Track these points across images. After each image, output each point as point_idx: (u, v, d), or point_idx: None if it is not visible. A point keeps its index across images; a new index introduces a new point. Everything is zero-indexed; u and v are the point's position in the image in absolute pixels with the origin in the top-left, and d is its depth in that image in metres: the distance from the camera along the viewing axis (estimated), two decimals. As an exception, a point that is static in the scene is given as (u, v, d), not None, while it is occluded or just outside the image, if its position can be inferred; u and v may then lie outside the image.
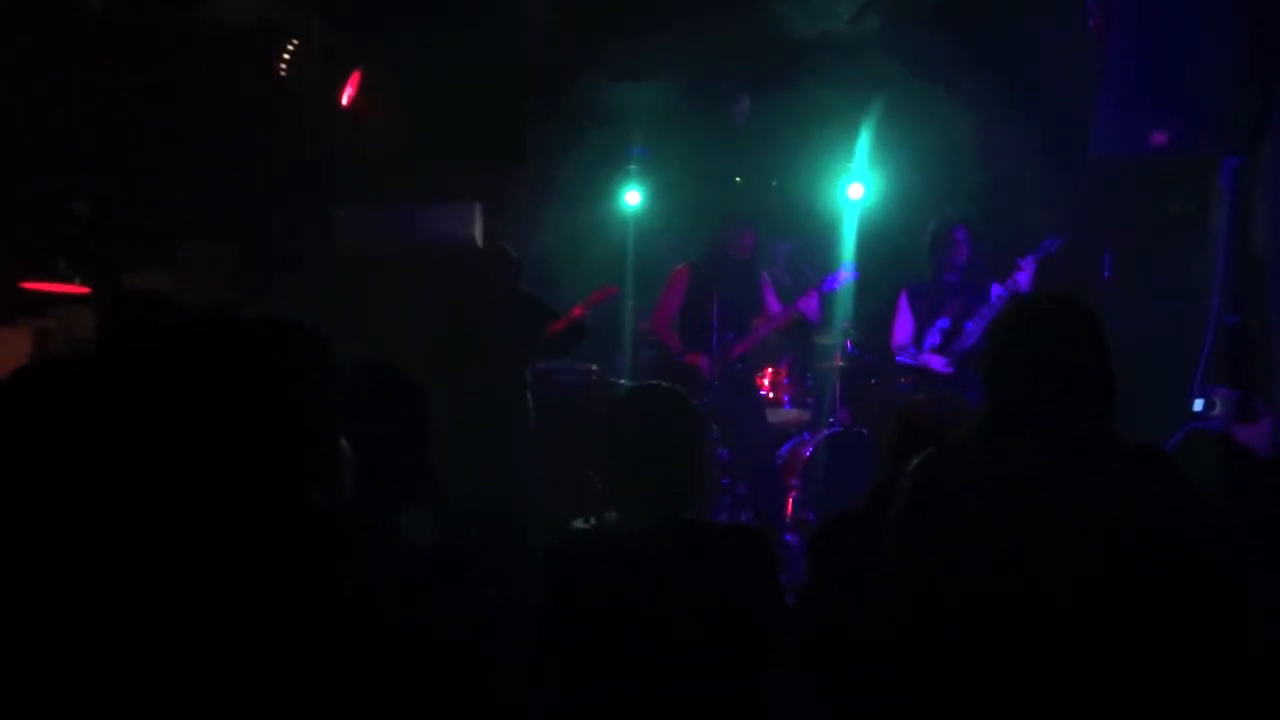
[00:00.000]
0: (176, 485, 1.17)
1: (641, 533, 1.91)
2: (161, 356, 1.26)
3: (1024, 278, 4.49)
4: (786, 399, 5.49)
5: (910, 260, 5.01)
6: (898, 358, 4.81)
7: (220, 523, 1.18)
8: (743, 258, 4.86)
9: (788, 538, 4.89)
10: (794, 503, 5.03)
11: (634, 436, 1.98)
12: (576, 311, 4.89)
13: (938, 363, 4.68)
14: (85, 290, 5.02)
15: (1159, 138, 3.82)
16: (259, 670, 1.14)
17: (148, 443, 1.17)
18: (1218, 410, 2.86)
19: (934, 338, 4.72)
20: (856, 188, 5.67)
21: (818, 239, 5.98)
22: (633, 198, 6.03)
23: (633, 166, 6.00)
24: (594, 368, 5.70)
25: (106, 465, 1.17)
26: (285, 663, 1.15)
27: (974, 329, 4.57)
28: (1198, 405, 2.87)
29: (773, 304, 4.96)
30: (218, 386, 1.23)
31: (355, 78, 4.74)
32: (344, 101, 4.71)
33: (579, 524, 2.00)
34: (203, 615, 1.15)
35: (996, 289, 4.58)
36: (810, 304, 4.83)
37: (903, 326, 4.80)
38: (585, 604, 1.88)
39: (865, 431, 5.02)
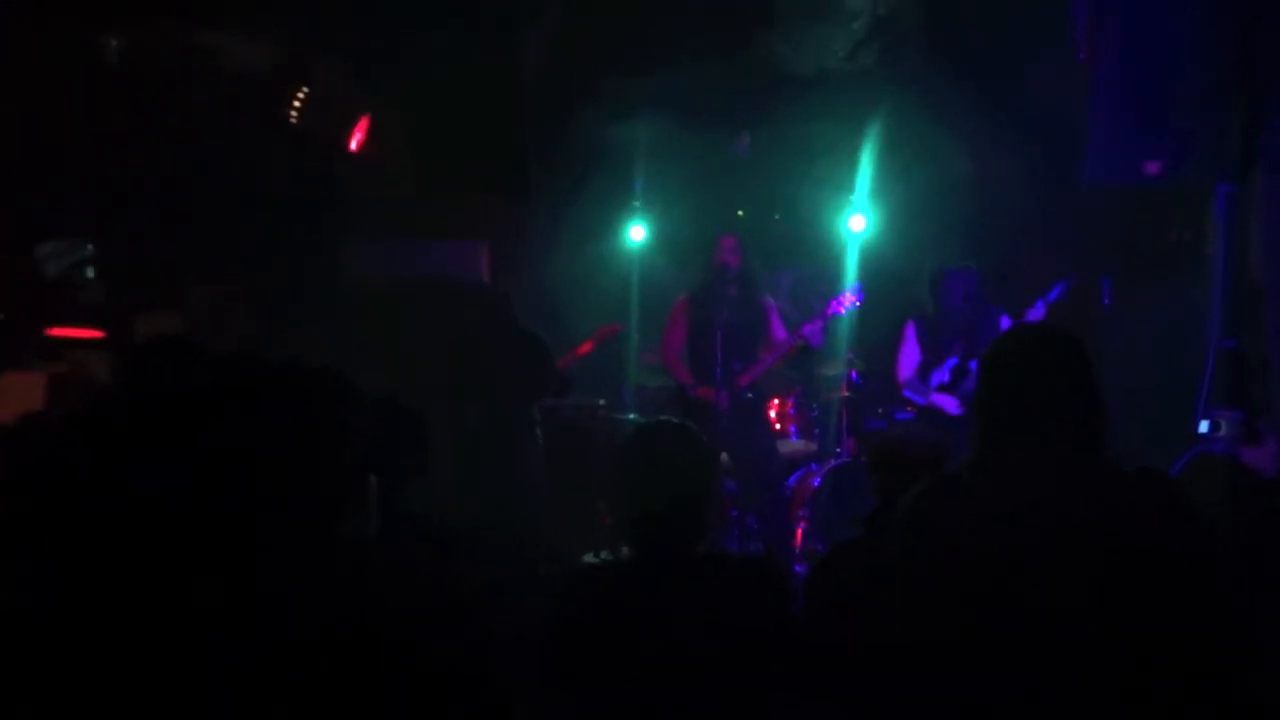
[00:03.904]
0: (214, 526, 1.21)
1: (655, 567, 1.94)
2: (196, 402, 1.31)
3: (1035, 319, 4.46)
4: (793, 430, 5.52)
5: (911, 289, 5.06)
6: (905, 392, 4.79)
7: (258, 561, 1.22)
8: (730, 267, 4.80)
9: (797, 569, 4.90)
10: (803, 534, 5.04)
11: (646, 472, 2.00)
12: (582, 349, 4.96)
13: (949, 404, 4.64)
14: (99, 334, 5.08)
15: (1152, 166, 3.88)
16: (297, 696, 1.18)
17: (185, 485, 1.22)
18: (1223, 433, 2.89)
19: (942, 375, 4.70)
20: (858, 219, 5.74)
21: (820, 269, 6.04)
22: (637, 233, 6.11)
23: (636, 203, 6.08)
24: (600, 402, 5.74)
25: (147, 506, 1.21)
26: (318, 687, 1.19)
27: None
28: (1203, 428, 2.90)
29: (778, 330, 4.94)
30: (253, 431, 1.27)
31: (363, 123, 4.84)
32: (353, 146, 4.80)
33: (590, 559, 2.02)
34: (240, 644, 1.18)
35: (1006, 323, 4.55)
36: (814, 330, 4.82)
37: (908, 358, 4.77)
38: (600, 638, 1.90)
39: (872, 461, 5.03)
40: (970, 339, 4.62)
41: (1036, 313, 4.47)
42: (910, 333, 4.80)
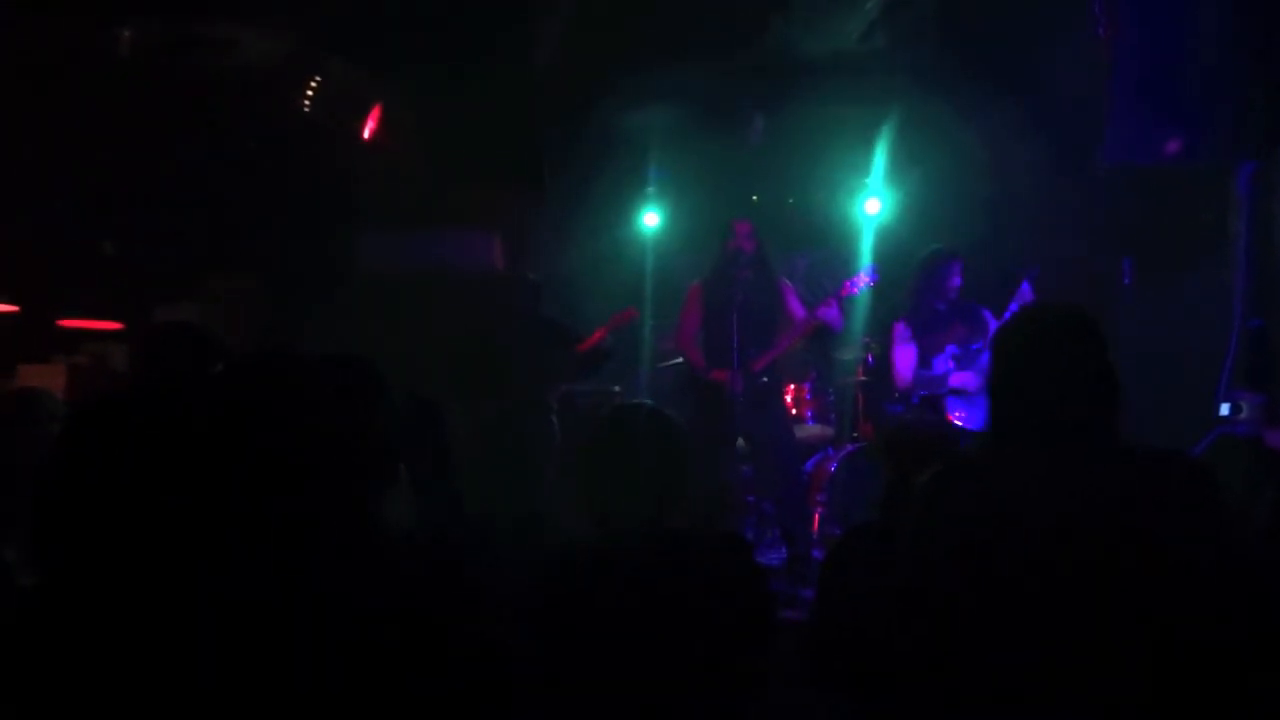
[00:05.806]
0: (247, 513, 1.22)
1: (618, 548, 1.95)
2: (220, 392, 1.31)
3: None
4: (809, 414, 5.50)
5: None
6: (919, 393, 4.63)
7: (289, 545, 1.23)
8: (744, 252, 4.74)
9: (814, 554, 4.89)
10: (820, 519, 5.03)
11: (610, 454, 2.03)
12: (599, 334, 4.96)
13: (969, 381, 4.54)
14: (117, 326, 5.13)
15: (1172, 146, 3.83)
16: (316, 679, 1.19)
17: (219, 474, 1.22)
18: (1245, 415, 2.86)
19: (946, 363, 4.66)
20: (874, 203, 5.70)
21: (834, 252, 6.02)
22: (651, 219, 6.11)
23: (650, 189, 6.08)
24: (616, 388, 5.75)
25: (181, 493, 1.22)
26: (343, 670, 1.20)
27: (982, 347, 4.49)
28: (1225, 410, 2.87)
29: (797, 309, 4.86)
30: (290, 420, 1.28)
31: (376, 112, 4.85)
32: (365, 135, 4.81)
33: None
34: (265, 631, 1.19)
35: (990, 317, 4.50)
36: (831, 311, 4.76)
37: (905, 357, 4.64)
38: (572, 616, 1.92)
39: (889, 446, 5.01)
40: (964, 329, 4.56)
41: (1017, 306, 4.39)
42: (903, 331, 4.66)
